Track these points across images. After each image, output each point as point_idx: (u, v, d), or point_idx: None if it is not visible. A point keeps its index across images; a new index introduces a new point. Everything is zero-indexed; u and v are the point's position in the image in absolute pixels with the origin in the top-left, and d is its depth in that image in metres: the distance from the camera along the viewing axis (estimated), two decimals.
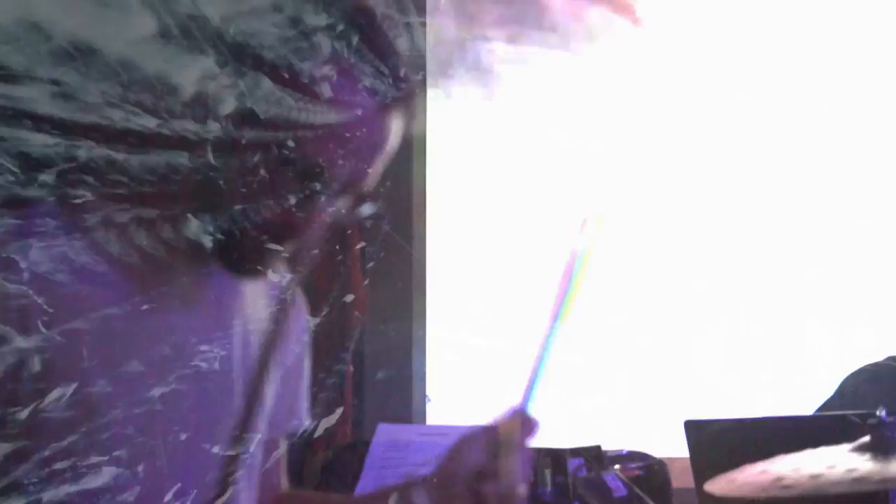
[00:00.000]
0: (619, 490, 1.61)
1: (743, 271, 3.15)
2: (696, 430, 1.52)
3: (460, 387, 2.70)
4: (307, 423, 1.41)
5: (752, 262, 3.15)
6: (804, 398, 3.05)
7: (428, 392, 2.50)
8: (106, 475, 1.08)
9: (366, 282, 1.82)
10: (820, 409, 2.17)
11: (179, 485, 1.15)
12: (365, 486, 1.70)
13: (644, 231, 3.08)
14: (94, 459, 1.06)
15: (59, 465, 1.03)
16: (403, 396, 2.45)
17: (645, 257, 3.10)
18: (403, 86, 1.10)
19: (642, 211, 3.07)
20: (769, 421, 1.67)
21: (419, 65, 1.13)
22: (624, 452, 1.88)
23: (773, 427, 1.57)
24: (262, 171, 1.06)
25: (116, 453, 1.07)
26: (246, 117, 1.02)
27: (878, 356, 2.53)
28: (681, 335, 3.09)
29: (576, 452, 1.74)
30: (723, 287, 3.17)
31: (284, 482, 1.43)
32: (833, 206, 3.13)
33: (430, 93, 2.61)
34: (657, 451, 2.04)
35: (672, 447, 1.83)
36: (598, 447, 1.80)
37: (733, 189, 3.13)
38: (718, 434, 1.52)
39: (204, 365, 1.18)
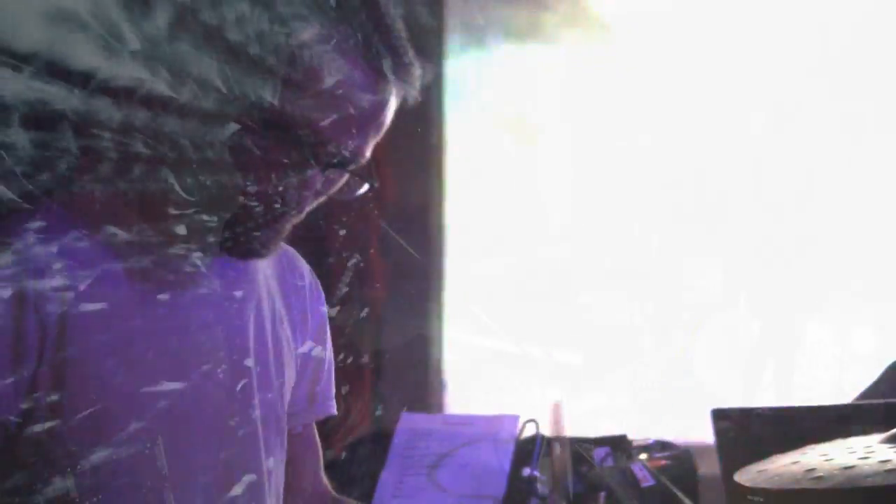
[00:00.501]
0: (647, 480, 1.59)
1: (745, 271, 3.17)
2: (724, 419, 1.49)
3: (476, 376, 2.69)
4: (334, 410, 1.40)
5: (755, 261, 3.17)
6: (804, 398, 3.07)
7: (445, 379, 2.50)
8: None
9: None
10: (860, 396, 2.14)
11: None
12: (389, 473, 1.69)
13: (648, 228, 3.09)
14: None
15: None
16: (421, 386, 2.43)
17: (648, 254, 3.11)
18: (409, 65, 1.09)
19: (647, 209, 3.08)
20: (799, 409, 1.65)
21: (434, 40, 1.12)
22: (650, 442, 1.87)
23: (803, 416, 1.55)
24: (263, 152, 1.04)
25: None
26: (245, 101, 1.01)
27: (879, 357, 2.53)
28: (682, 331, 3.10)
29: (602, 442, 1.73)
30: (723, 287, 3.18)
31: (325, 481, 1.41)
32: (833, 207, 3.15)
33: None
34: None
35: (696, 435, 1.82)
36: (624, 436, 1.79)
37: (738, 189, 3.14)
38: (747, 423, 1.50)
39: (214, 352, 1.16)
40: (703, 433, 1.61)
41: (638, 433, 2.38)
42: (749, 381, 3.07)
